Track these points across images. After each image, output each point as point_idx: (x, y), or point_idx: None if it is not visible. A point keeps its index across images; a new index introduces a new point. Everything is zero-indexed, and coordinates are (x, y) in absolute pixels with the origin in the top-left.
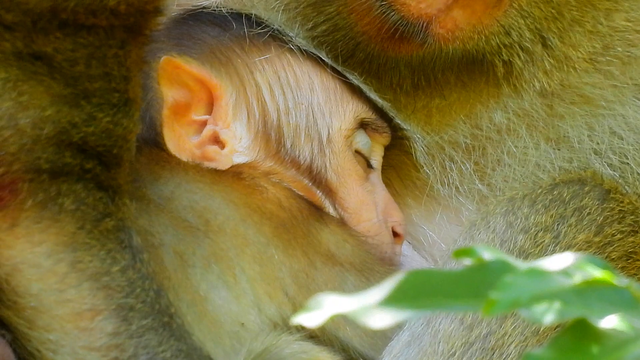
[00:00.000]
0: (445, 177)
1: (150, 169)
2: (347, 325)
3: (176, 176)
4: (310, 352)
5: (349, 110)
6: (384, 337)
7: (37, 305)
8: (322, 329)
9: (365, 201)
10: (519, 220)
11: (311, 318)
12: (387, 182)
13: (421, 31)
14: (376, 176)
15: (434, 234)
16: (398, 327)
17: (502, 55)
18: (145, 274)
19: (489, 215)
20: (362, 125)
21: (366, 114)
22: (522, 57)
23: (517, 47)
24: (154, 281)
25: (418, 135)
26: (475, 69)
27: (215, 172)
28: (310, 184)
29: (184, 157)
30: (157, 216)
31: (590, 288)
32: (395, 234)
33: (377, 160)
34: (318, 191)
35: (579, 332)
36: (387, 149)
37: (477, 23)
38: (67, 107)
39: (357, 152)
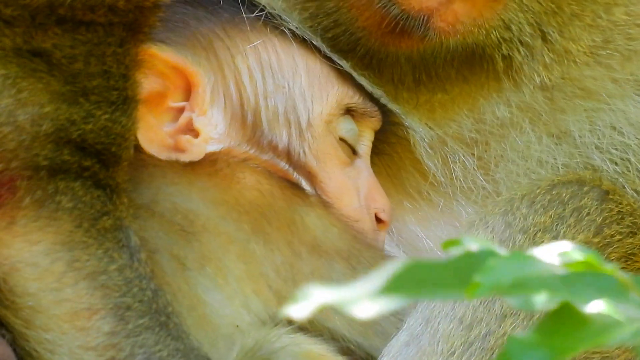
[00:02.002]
0: (447, 171)
1: (131, 174)
2: (335, 315)
3: (155, 180)
4: (302, 344)
5: (332, 95)
6: (375, 324)
7: (35, 305)
8: (311, 320)
9: (345, 186)
10: (518, 220)
11: (298, 309)
12: (385, 184)
13: (422, 25)
14: (362, 162)
15: (431, 240)
16: (390, 315)
17: (502, 50)
18: (143, 273)
19: (488, 215)
20: (349, 111)
21: (351, 99)
22: (522, 52)
23: (517, 41)
24: (151, 280)
25: (421, 129)
26: (475, 64)
27: (192, 170)
28: (288, 167)
29: (154, 149)
30: (146, 221)
31: (575, 274)
32: (379, 221)
33: (365, 145)
34: (297, 174)
35: (564, 316)
36: (385, 147)
37: (477, 16)
38: (65, 104)
39: (341, 139)
